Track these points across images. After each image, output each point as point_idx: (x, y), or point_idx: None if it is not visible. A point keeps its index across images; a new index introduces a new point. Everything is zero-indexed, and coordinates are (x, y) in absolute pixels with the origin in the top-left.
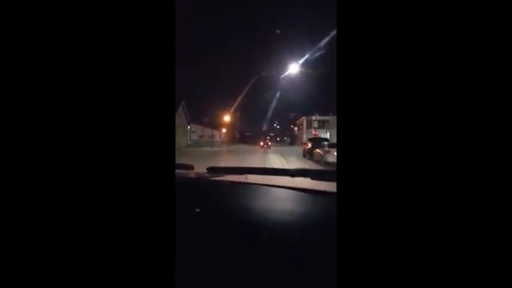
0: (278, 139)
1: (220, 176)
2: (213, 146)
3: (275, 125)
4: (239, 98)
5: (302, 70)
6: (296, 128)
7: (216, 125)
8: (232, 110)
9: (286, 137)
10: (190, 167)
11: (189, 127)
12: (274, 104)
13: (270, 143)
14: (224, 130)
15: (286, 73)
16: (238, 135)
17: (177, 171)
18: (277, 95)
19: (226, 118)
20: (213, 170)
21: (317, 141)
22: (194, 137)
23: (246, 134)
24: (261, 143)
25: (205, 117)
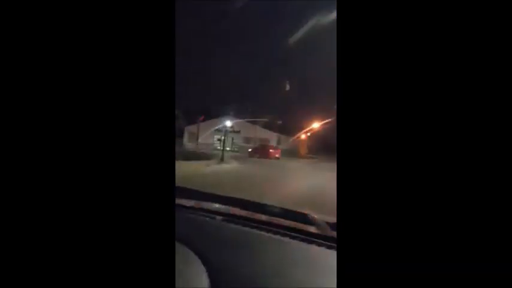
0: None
1: None
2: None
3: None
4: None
5: None
6: None
7: (286, 128)
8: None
9: None
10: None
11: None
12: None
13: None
14: (304, 135)
15: None
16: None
17: None
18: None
19: (315, 124)
20: None
21: None
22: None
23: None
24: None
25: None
